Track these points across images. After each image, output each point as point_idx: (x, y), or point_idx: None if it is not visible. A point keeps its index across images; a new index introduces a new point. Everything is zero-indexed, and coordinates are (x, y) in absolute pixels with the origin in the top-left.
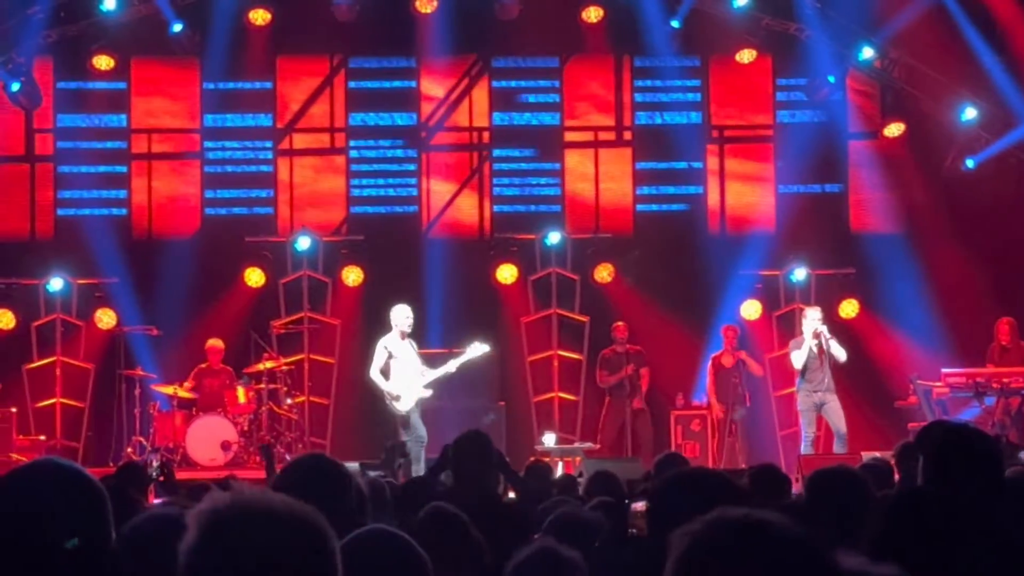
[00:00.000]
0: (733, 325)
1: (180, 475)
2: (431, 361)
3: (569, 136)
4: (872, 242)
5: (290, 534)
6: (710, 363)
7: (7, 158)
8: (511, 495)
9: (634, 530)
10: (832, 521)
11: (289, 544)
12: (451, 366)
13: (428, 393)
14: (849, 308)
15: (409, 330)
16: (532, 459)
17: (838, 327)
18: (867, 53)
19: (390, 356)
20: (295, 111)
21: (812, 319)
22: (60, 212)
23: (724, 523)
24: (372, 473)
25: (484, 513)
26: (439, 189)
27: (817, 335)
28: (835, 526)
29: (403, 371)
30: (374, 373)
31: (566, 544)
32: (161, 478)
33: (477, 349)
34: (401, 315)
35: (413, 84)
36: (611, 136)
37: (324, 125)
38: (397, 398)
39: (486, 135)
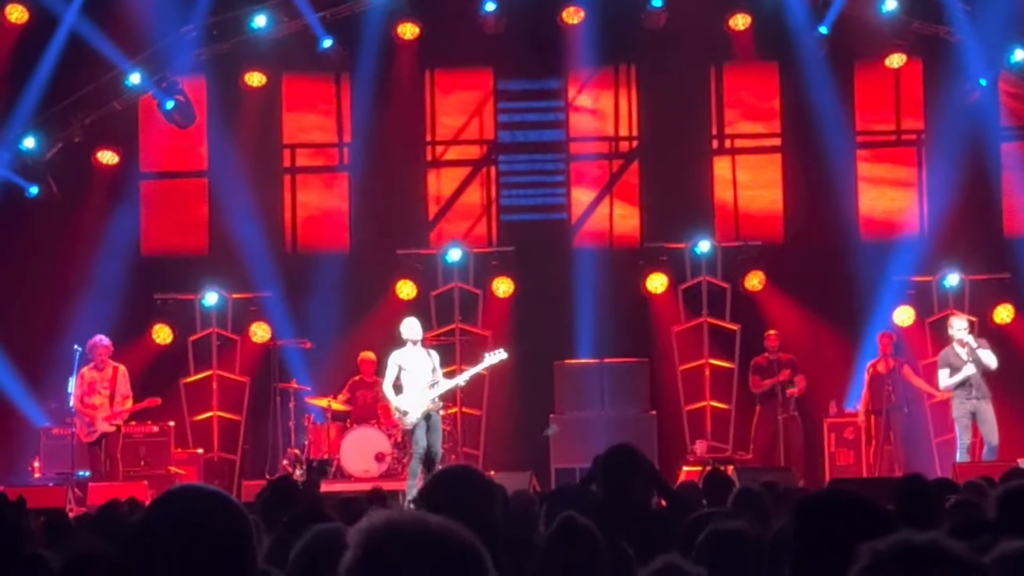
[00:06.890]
0: (889, 332)
1: (335, 487)
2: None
3: (717, 143)
4: None
5: (444, 557)
6: (867, 371)
7: (161, 174)
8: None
9: None
10: None
11: (443, 567)
12: (463, 376)
13: (438, 404)
14: (1004, 313)
15: (419, 340)
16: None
17: (993, 333)
18: (1019, 55)
19: (401, 370)
20: (444, 124)
21: (958, 329)
22: (214, 227)
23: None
24: None
25: (633, 524)
26: (588, 199)
27: (964, 344)
28: None
29: (412, 385)
30: (386, 388)
31: (716, 559)
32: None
33: (494, 356)
34: (409, 328)
35: (560, 99)
36: (760, 143)
37: (473, 137)
38: (405, 413)
39: (634, 144)
